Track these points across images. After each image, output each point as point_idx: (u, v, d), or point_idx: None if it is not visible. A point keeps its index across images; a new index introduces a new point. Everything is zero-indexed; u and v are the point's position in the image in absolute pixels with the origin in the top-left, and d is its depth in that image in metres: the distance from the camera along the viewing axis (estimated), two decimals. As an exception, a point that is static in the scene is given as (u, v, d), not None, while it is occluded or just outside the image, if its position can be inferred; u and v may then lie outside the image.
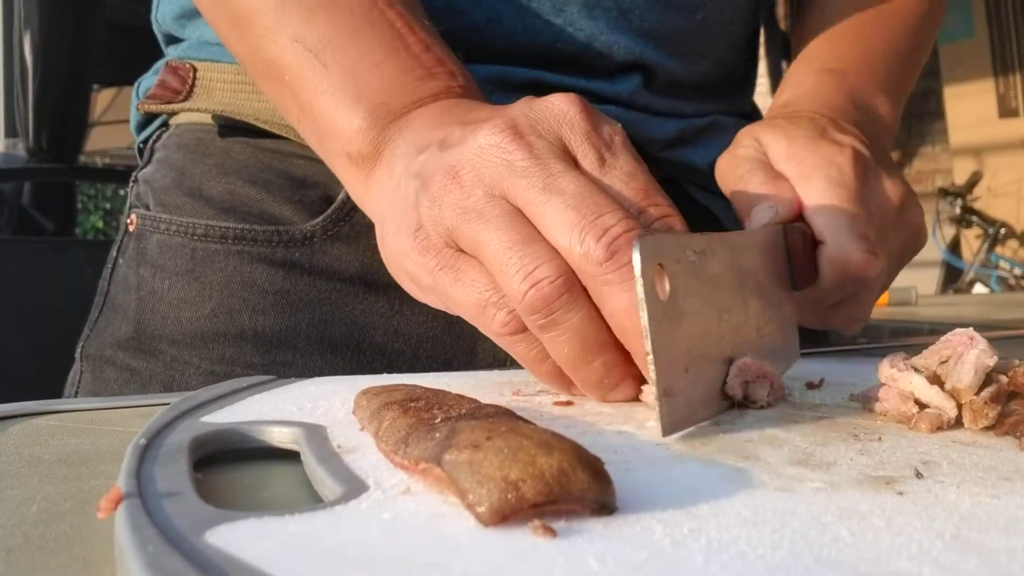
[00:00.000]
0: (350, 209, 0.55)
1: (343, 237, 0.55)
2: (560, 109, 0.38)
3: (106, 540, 0.23)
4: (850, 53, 0.61)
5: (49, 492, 0.27)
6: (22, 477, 0.29)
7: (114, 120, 4.37)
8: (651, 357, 0.30)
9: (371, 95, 0.44)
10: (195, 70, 0.58)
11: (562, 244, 0.34)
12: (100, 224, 8.07)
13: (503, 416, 0.26)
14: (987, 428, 0.33)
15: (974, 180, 4.05)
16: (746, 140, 0.50)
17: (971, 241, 4.19)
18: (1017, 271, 3.94)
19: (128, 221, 0.61)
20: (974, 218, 4.06)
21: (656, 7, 0.57)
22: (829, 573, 0.19)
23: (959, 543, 0.21)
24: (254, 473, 0.29)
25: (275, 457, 0.31)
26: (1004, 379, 0.33)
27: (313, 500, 0.26)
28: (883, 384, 0.35)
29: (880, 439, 0.31)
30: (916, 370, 0.34)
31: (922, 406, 0.33)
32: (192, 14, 0.59)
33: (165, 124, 0.63)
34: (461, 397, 0.30)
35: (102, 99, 4.31)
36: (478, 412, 0.27)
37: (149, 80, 0.63)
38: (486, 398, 0.31)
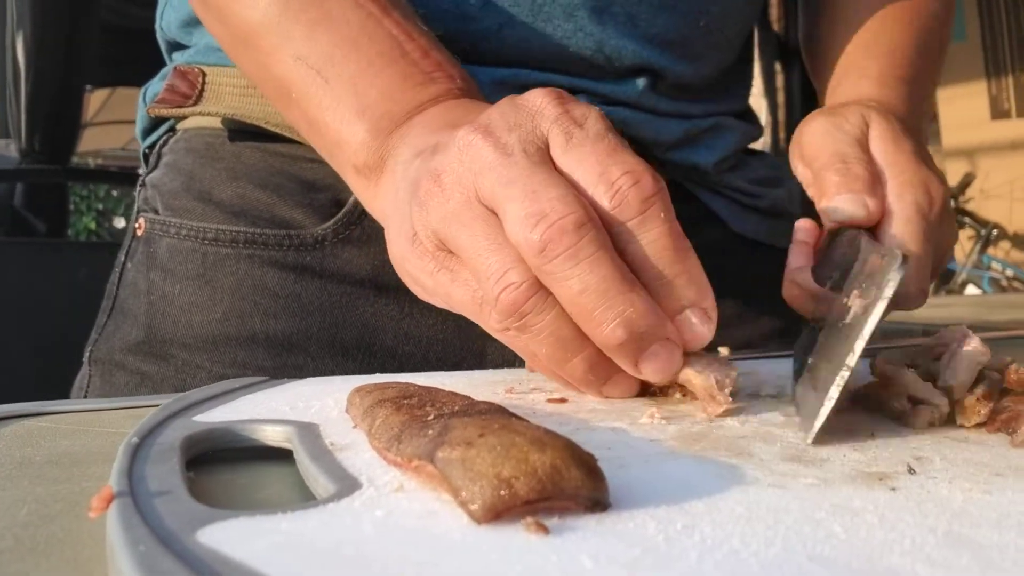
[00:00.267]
0: (360, 213, 0.56)
1: (354, 241, 0.56)
2: (532, 103, 0.38)
3: (97, 541, 0.23)
4: (903, 58, 0.59)
5: (40, 494, 0.27)
6: (13, 479, 0.29)
7: (107, 121, 4.35)
8: (847, 372, 0.30)
9: (373, 106, 0.44)
10: (204, 75, 0.59)
11: (512, 233, 0.34)
12: (93, 225, 8.05)
13: (496, 413, 0.26)
14: (979, 425, 0.33)
15: (966, 182, 4.06)
16: (854, 118, 0.49)
17: (963, 242, 4.21)
18: (1009, 272, 3.96)
19: (136, 225, 0.61)
20: (966, 219, 4.08)
21: (662, 13, 0.58)
22: (822, 570, 0.19)
23: (951, 539, 0.21)
24: (246, 472, 0.29)
25: (267, 456, 0.30)
26: (996, 376, 0.33)
27: (306, 498, 0.26)
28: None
29: (873, 435, 0.31)
30: (910, 366, 0.34)
31: (915, 402, 0.33)
32: (198, 21, 0.59)
33: (172, 129, 0.63)
34: (454, 394, 0.30)
35: (95, 100, 4.29)
36: (471, 409, 0.27)
37: (157, 86, 0.63)
38: (479, 396, 0.31)
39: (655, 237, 0.35)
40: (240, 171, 0.58)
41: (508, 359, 0.56)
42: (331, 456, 0.27)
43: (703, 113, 0.63)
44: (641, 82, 0.59)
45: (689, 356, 0.36)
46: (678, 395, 0.38)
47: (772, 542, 0.20)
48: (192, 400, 0.35)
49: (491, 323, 0.37)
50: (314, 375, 0.53)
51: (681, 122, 0.61)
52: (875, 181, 0.45)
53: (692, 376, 0.35)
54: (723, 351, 0.40)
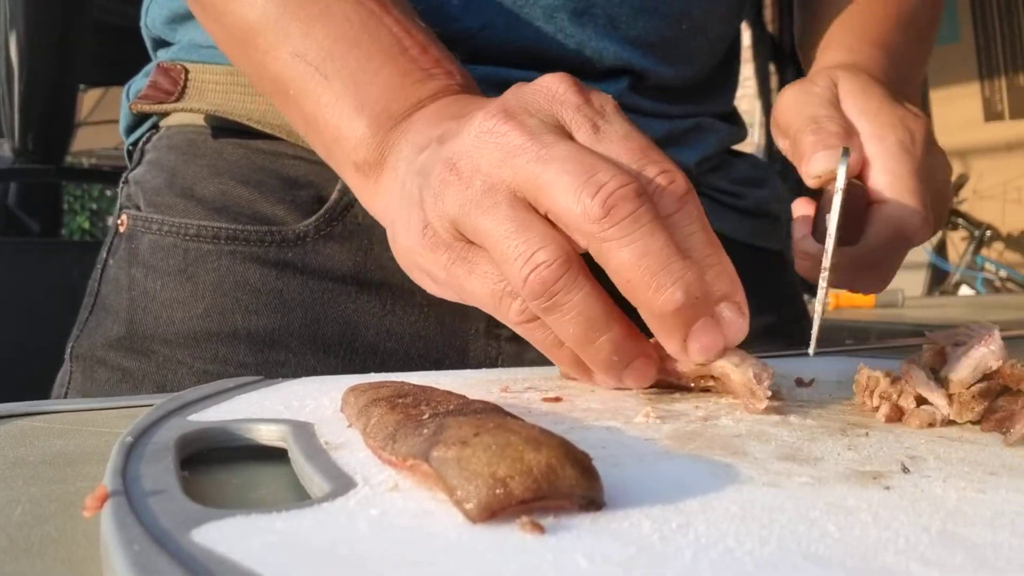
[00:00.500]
0: (342, 209, 0.55)
1: (335, 237, 0.56)
2: (550, 88, 0.39)
3: (92, 541, 0.23)
4: (884, 34, 0.61)
5: (34, 494, 0.27)
6: (6, 479, 0.29)
7: (101, 120, 4.34)
8: (826, 273, 0.32)
9: (372, 102, 0.44)
10: (187, 72, 0.59)
11: (563, 206, 0.34)
12: (87, 225, 8.02)
13: (491, 412, 0.26)
14: (974, 423, 0.33)
15: (960, 183, 4.08)
16: (823, 81, 0.50)
17: (957, 243, 4.22)
18: (1002, 273, 3.97)
19: (118, 222, 0.61)
20: (960, 220, 4.09)
21: (643, 16, 0.58)
22: (816, 568, 0.19)
23: (945, 537, 0.21)
24: (241, 471, 0.29)
25: (262, 456, 0.30)
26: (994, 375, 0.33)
27: (300, 498, 0.26)
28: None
29: (867, 434, 0.31)
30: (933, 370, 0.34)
31: (920, 403, 0.34)
32: (183, 18, 0.59)
33: (155, 126, 0.63)
34: (449, 393, 0.30)
35: (89, 99, 4.29)
36: (466, 408, 0.27)
37: (140, 82, 0.63)
38: (474, 395, 0.31)
39: (692, 231, 0.36)
40: (222, 167, 0.58)
41: (491, 356, 0.56)
42: (326, 455, 0.27)
43: (684, 114, 0.63)
44: (622, 83, 0.59)
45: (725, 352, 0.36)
46: (712, 386, 0.38)
47: (767, 541, 0.20)
48: (186, 399, 0.35)
49: (510, 314, 0.37)
50: (296, 371, 0.53)
51: (663, 122, 0.62)
52: (848, 133, 0.46)
53: (730, 370, 0.35)
54: None
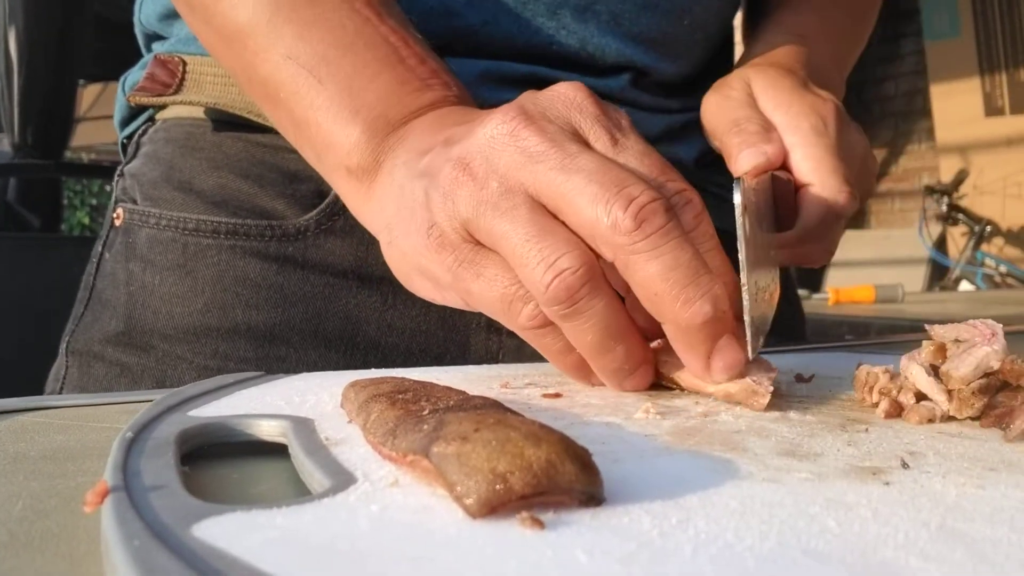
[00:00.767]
0: (343, 204, 0.55)
1: (336, 231, 0.55)
2: (567, 95, 0.39)
3: (92, 536, 0.23)
4: (812, 25, 0.65)
5: (35, 489, 0.27)
6: (7, 474, 0.29)
7: (100, 116, 4.34)
8: (746, 288, 0.34)
9: (368, 108, 0.44)
10: (184, 64, 0.58)
11: (588, 217, 0.34)
12: (86, 220, 8.02)
13: (491, 408, 0.26)
14: (973, 419, 0.33)
15: (960, 178, 4.07)
16: (737, 84, 0.53)
17: (957, 239, 4.22)
18: (1002, 268, 3.97)
19: (114, 215, 0.60)
20: (960, 216, 4.09)
21: (646, 12, 0.58)
22: (816, 564, 0.19)
23: (945, 533, 0.21)
24: (241, 467, 0.29)
25: (262, 451, 0.30)
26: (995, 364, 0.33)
27: (301, 493, 0.26)
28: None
29: (867, 430, 0.31)
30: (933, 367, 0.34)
31: (919, 398, 0.34)
32: (177, 13, 0.59)
33: (151, 119, 0.62)
34: (449, 389, 0.30)
35: (88, 95, 4.28)
36: (466, 404, 0.27)
37: (136, 75, 0.62)
38: (474, 391, 0.31)
39: (709, 248, 0.37)
40: (221, 161, 0.57)
41: (492, 351, 0.56)
42: (326, 451, 0.27)
43: (682, 108, 0.63)
44: (624, 78, 0.59)
45: None
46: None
47: (766, 536, 0.20)
48: (187, 395, 0.35)
49: (520, 318, 0.37)
50: (296, 367, 0.53)
51: (663, 117, 0.62)
52: (767, 129, 0.49)
53: (734, 390, 0.36)
54: None
